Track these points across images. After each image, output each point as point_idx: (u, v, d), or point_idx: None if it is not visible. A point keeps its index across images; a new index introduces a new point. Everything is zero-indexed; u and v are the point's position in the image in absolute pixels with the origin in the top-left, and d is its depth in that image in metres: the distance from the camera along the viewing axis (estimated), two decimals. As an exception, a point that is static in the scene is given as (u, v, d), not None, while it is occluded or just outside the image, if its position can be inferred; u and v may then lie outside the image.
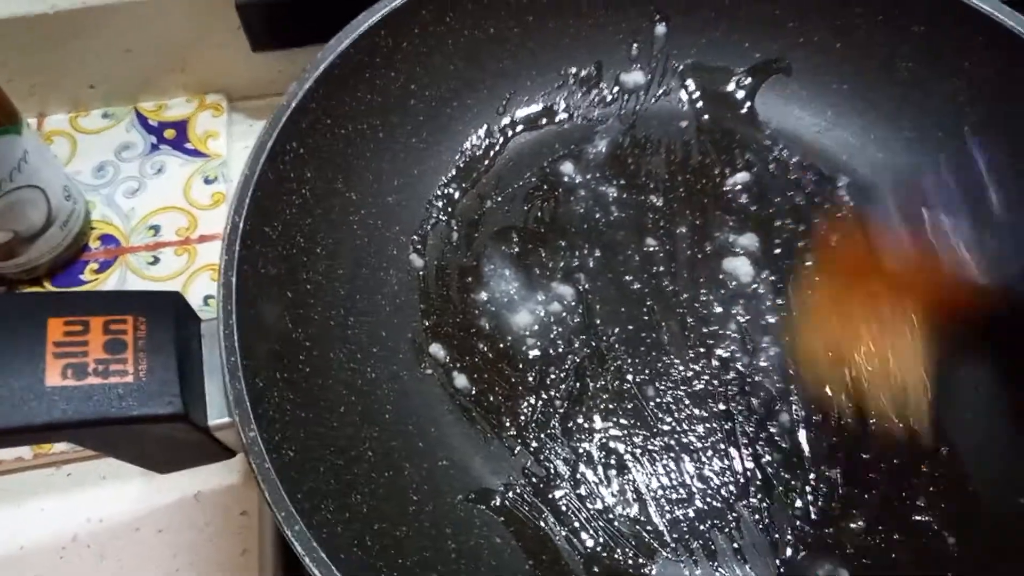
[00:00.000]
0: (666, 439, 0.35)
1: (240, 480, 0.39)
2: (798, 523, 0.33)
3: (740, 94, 0.43)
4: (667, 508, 0.33)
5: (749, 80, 0.43)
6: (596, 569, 0.32)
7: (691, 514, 0.33)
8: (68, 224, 0.43)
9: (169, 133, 0.49)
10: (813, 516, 0.33)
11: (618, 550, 0.32)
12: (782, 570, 0.32)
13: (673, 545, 0.33)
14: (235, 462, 0.39)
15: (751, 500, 0.33)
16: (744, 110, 0.43)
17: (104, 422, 0.25)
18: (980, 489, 0.33)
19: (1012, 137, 0.37)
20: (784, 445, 0.34)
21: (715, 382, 0.36)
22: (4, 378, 0.25)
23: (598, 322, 0.37)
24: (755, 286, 0.38)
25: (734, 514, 0.33)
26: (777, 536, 0.33)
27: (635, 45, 0.43)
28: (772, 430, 0.35)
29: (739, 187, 0.41)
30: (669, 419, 0.35)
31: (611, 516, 0.33)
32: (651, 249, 0.39)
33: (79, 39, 0.46)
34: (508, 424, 0.35)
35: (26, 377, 0.25)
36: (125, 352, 0.26)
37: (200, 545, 0.37)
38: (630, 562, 0.32)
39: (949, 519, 0.32)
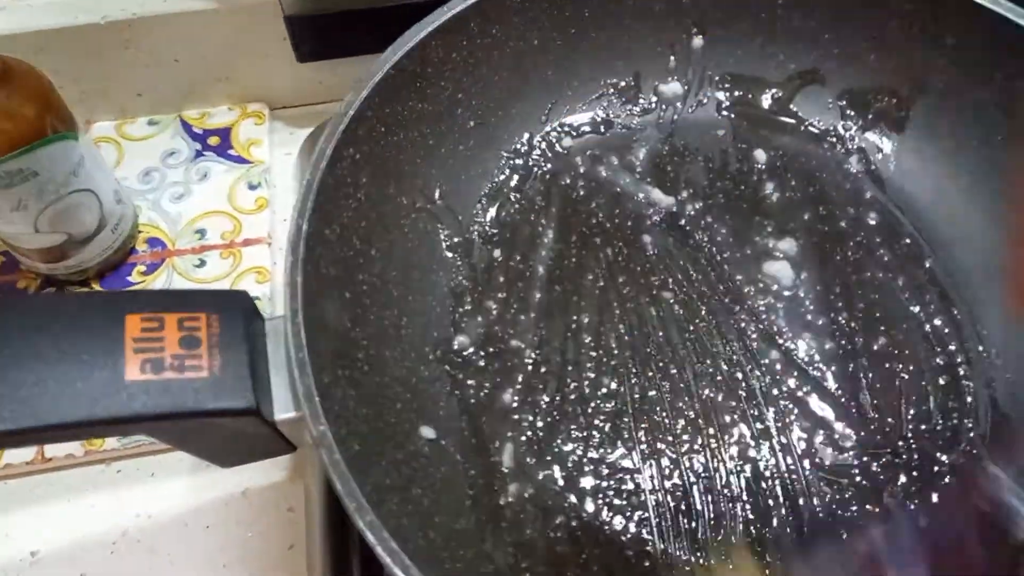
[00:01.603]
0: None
1: (287, 477, 0.40)
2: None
3: (775, 104, 0.44)
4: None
5: (784, 90, 0.44)
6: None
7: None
8: (119, 227, 0.44)
9: (213, 140, 0.50)
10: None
11: (671, 543, 0.33)
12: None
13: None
14: (282, 460, 0.40)
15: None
16: (779, 119, 0.44)
17: (181, 415, 0.26)
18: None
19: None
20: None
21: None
22: (88, 371, 0.26)
23: (645, 327, 0.38)
24: (795, 289, 0.39)
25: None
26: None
27: (672, 57, 0.44)
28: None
29: (776, 193, 0.42)
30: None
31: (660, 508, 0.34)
32: (691, 253, 0.40)
33: (128, 49, 0.48)
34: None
35: (108, 371, 0.26)
36: (199, 348, 0.27)
37: (248, 541, 0.38)
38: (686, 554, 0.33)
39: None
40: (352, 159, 0.34)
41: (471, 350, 0.37)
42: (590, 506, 0.34)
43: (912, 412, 0.36)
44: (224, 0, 0.47)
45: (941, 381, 0.37)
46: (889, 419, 0.36)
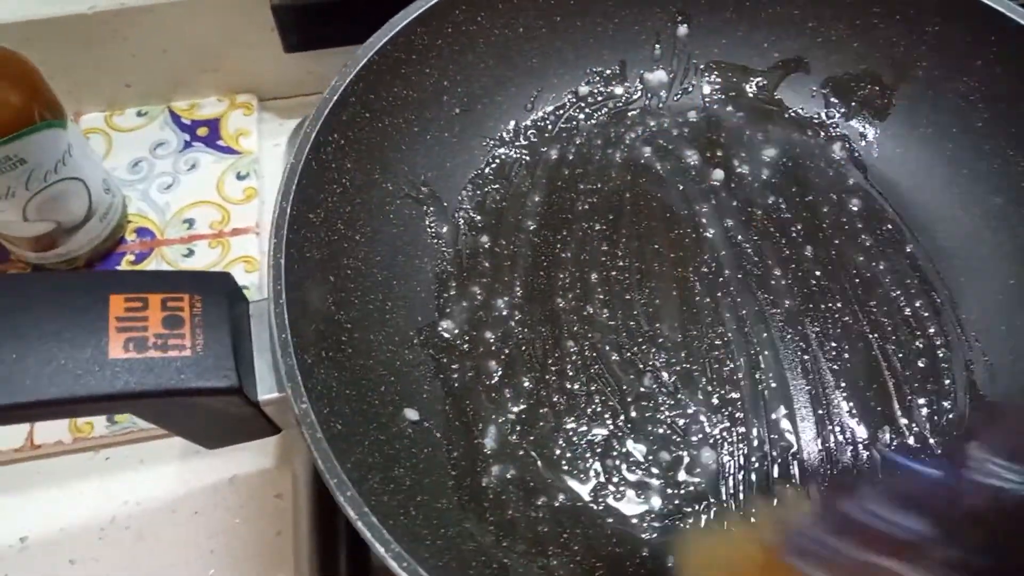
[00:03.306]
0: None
1: (274, 464, 0.40)
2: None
3: (760, 92, 0.45)
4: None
5: (769, 78, 0.44)
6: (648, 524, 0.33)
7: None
8: (107, 216, 0.44)
9: (202, 131, 0.50)
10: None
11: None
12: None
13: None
14: (270, 447, 0.40)
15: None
16: (763, 107, 0.44)
17: (163, 393, 0.27)
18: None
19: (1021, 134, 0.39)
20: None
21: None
22: (71, 350, 0.26)
23: (629, 299, 0.39)
24: (778, 275, 0.40)
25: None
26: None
27: (658, 45, 0.44)
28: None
29: (760, 180, 0.42)
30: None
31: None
32: (677, 239, 0.41)
33: (116, 40, 0.48)
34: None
35: (91, 349, 0.26)
36: (182, 327, 0.27)
37: (235, 527, 0.38)
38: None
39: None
40: (337, 144, 0.35)
41: (455, 334, 0.38)
42: (572, 486, 0.34)
43: (891, 393, 0.36)
44: (211, -10, 0.47)
45: (920, 364, 0.37)
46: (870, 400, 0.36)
